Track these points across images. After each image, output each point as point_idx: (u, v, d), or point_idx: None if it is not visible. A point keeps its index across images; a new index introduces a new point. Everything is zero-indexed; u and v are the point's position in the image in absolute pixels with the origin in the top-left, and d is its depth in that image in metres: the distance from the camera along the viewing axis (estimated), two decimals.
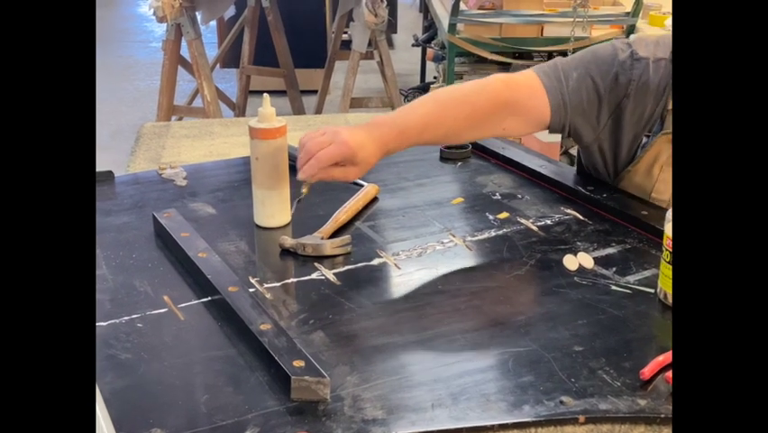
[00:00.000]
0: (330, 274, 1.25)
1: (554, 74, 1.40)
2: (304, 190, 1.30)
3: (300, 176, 1.26)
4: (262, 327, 1.06)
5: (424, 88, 4.13)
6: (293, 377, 0.96)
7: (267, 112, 1.36)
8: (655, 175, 1.42)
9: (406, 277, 1.24)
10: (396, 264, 1.28)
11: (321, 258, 1.30)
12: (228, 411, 0.95)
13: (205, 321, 1.13)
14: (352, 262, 1.29)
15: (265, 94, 1.38)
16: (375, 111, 3.63)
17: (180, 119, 3.79)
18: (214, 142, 1.89)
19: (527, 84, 1.40)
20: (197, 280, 1.22)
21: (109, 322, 1.12)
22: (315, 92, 4.38)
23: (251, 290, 1.19)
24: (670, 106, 1.38)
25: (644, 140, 1.42)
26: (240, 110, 4.33)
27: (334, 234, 1.36)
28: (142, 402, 0.97)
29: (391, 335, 1.10)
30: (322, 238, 1.32)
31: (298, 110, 4.25)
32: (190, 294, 1.20)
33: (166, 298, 1.19)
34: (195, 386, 1.00)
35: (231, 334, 1.10)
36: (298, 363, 0.99)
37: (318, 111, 4.27)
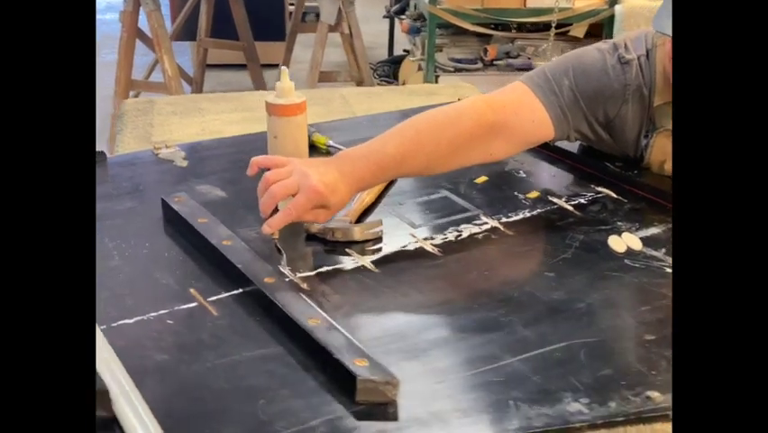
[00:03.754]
0: (366, 261, 1.17)
1: (548, 86, 1.32)
2: (275, 237, 1.16)
3: (266, 230, 1.13)
4: (311, 321, 0.98)
5: (395, 61, 4.02)
6: (359, 378, 0.88)
7: (286, 86, 1.26)
8: (669, 170, 1.37)
9: (447, 263, 1.17)
10: (434, 249, 1.20)
11: (351, 243, 1.21)
12: (290, 418, 0.86)
13: (241, 316, 1.04)
14: (387, 247, 1.20)
15: (283, 67, 1.28)
16: (343, 85, 3.53)
17: (138, 95, 3.64)
18: (204, 120, 1.78)
19: (515, 102, 1.30)
20: (225, 271, 1.12)
21: (136, 319, 1.02)
22: (275, 66, 4.24)
23: (284, 279, 1.10)
24: (656, 103, 1.33)
25: (644, 141, 1.37)
26: (197, 85, 4.18)
27: (360, 217, 1.27)
28: (192, 410, 0.88)
29: (448, 327, 1.02)
30: (350, 222, 1.24)
31: (259, 84, 4.12)
32: (218, 286, 1.10)
33: (192, 291, 1.09)
34: (246, 390, 0.91)
35: (273, 330, 1.01)
36: (361, 362, 0.91)
37: None
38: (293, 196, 1.12)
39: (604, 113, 1.34)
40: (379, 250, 1.20)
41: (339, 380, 0.91)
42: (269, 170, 1.17)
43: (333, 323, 0.98)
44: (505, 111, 1.28)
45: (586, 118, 1.34)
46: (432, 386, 0.91)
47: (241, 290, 1.09)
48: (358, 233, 1.22)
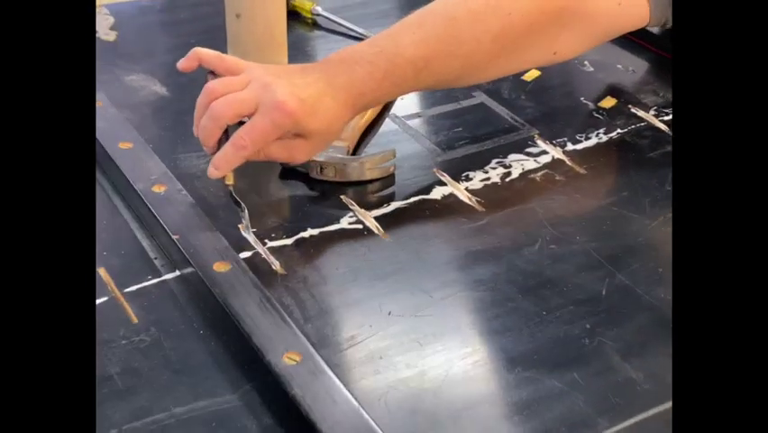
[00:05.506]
0: (370, 219, 0.77)
1: None
2: (228, 183, 0.75)
3: (212, 173, 0.73)
4: (287, 358, 0.60)
5: None
6: None
7: None
8: None
9: (494, 226, 0.77)
10: (471, 199, 0.80)
11: (348, 185, 0.81)
12: None
13: (175, 326, 0.66)
14: (402, 195, 0.81)
15: None
16: None
17: None
18: None
19: None
20: (152, 237, 0.74)
21: None
22: None
23: (246, 255, 0.71)
24: None
25: None
26: None
27: (359, 144, 0.87)
28: None
29: (506, 359, 0.64)
30: (348, 152, 0.83)
31: None
32: (141, 265, 0.72)
33: (102, 271, 0.70)
34: None
35: (226, 358, 0.63)
36: None
37: None
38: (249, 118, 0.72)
39: None
40: (390, 199, 0.80)
41: None
42: (212, 75, 0.77)
43: (321, 363, 0.59)
44: None
45: None
46: None
47: (178, 273, 0.70)
48: (358, 169, 0.82)
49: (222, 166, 0.73)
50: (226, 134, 0.73)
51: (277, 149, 0.74)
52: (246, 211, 0.74)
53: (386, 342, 0.65)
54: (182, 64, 0.77)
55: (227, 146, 0.72)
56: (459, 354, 0.64)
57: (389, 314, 0.67)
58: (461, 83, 0.87)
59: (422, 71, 0.79)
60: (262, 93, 0.72)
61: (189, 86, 0.95)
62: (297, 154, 0.76)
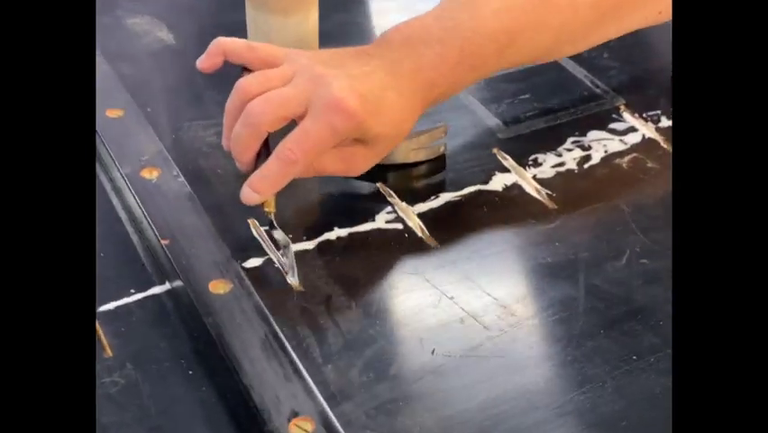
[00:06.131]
0: (412, 218, 0.62)
1: None
2: (268, 210, 0.58)
3: (249, 197, 0.56)
4: (295, 427, 0.45)
5: None
6: None
7: None
8: None
9: (568, 229, 0.61)
10: (541, 193, 0.64)
11: (388, 168, 0.66)
12: None
13: (160, 360, 0.52)
14: (454, 184, 0.65)
15: None
16: None
17: None
18: None
19: None
20: (137, 228, 0.59)
21: None
22: None
23: (256, 262, 0.57)
24: None
25: None
26: None
27: None
28: None
29: (599, 410, 0.49)
30: None
31: None
32: (126, 271, 0.57)
33: None
34: None
35: (219, 411, 0.49)
36: None
37: None
38: (296, 122, 0.56)
39: None
40: (439, 189, 0.64)
41: None
42: (245, 70, 0.61)
43: (337, 427, 0.45)
44: None
45: None
46: None
47: (168, 287, 0.56)
48: (401, 150, 0.66)
49: (263, 189, 0.56)
50: (266, 146, 0.57)
51: (331, 160, 0.58)
52: (290, 248, 0.58)
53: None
54: (202, 63, 0.60)
55: (271, 161, 0.55)
56: (523, 415, 0.49)
57: (433, 353, 0.52)
58: (548, 58, 0.70)
59: (506, 49, 0.62)
60: (313, 88, 0.55)
61: (201, 34, 0.79)
62: (355, 166, 0.59)
